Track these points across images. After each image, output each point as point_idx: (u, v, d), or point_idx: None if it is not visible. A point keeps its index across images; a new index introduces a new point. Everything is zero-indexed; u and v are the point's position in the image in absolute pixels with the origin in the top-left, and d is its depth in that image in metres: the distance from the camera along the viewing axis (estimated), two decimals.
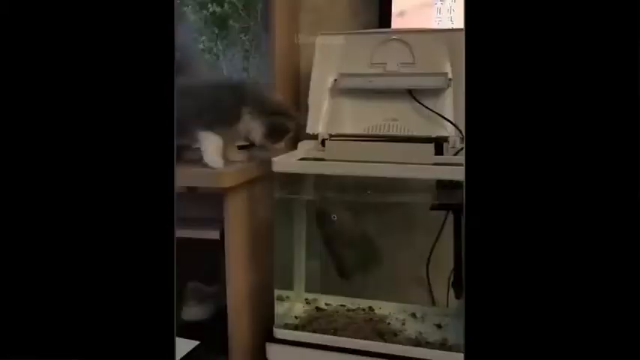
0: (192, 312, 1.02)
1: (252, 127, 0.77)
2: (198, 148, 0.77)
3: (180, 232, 0.82)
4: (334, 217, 0.81)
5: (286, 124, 0.80)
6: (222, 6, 0.85)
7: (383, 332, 0.82)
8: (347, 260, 0.83)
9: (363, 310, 0.92)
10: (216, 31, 0.87)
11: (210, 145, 0.76)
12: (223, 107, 0.76)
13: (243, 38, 0.89)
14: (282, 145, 0.82)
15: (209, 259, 1.02)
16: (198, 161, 0.76)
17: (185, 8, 0.85)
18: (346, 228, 0.82)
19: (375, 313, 0.91)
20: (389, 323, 0.87)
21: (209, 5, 0.84)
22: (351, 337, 0.80)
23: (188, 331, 1.03)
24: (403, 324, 0.87)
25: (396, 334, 0.82)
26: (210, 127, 0.75)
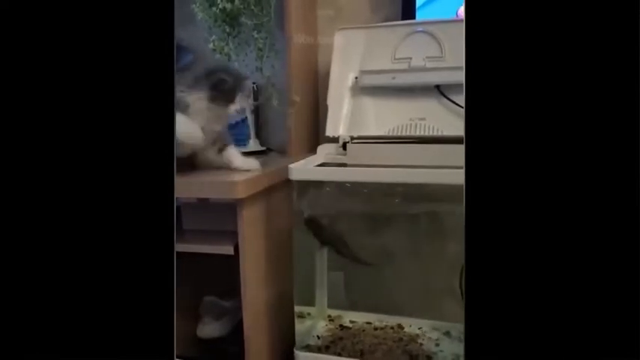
0: (208, 329, 0.97)
1: (195, 98, 0.69)
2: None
3: (193, 247, 0.78)
4: None
5: (227, 79, 0.71)
6: (232, 2, 0.79)
7: (416, 354, 0.75)
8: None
9: (392, 328, 0.84)
10: (227, 30, 0.81)
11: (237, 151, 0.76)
12: None
13: (257, 36, 0.82)
14: (236, 106, 0.72)
15: (226, 272, 0.97)
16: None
17: (193, 5, 0.80)
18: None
19: (404, 332, 0.83)
20: (421, 344, 0.79)
21: (218, 1, 0.78)
22: None
23: (204, 349, 0.98)
24: (437, 344, 0.79)
25: (430, 357, 0.75)
26: None
